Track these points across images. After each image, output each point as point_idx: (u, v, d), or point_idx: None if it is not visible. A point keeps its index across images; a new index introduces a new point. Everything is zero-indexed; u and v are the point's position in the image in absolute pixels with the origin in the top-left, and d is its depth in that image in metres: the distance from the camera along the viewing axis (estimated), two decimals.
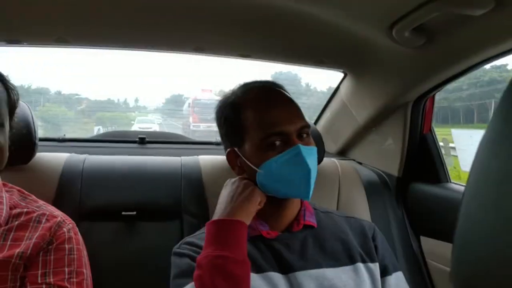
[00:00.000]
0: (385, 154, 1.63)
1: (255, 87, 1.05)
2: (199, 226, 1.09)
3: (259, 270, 0.94)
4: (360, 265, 1.00)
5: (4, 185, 1.07)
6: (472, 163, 0.36)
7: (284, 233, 1.02)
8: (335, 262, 0.99)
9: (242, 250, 0.89)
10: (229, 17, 1.14)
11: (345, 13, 1.03)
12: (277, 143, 0.96)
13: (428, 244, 1.48)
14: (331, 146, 1.92)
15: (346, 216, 1.14)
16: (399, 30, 0.98)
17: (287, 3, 1.01)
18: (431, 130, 1.50)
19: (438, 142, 1.51)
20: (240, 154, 1.03)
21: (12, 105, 1.04)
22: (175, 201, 1.39)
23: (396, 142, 1.56)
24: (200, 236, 1.02)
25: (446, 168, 1.50)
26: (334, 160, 1.62)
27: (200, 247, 0.96)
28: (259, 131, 0.98)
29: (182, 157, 1.53)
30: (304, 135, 0.99)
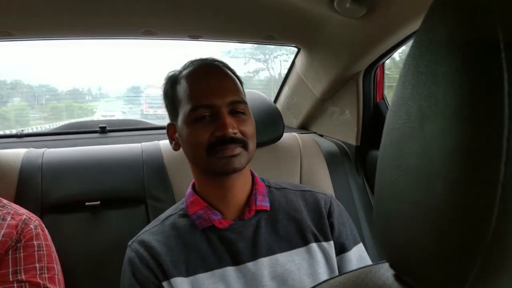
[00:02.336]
0: (343, 125, 1.67)
1: (195, 62, 1.02)
2: (164, 210, 1.10)
3: (210, 267, 0.92)
4: (314, 245, 0.97)
5: None
6: (384, 128, 0.39)
7: (237, 221, 0.97)
8: (288, 245, 0.97)
9: None
10: None
11: None
12: (206, 116, 0.92)
13: None
14: (292, 121, 1.95)
15: (301, 190, 1.08)
16: (340, 1, 1.01)
17: None
18: (383, 98, 1.55)
19: None
20: (176, 128, 1.00)
21: None
22: (138, 188, 1.40)
23: (352, 112, 1.60)
24: (152, 231, 0.99)
25: None
26: (295, 134, 1.65)
27: (150, 248, 0.93)
28: (189, 103, 0.94)
29: (143, 143, 1.53)
30: (239, 112, 0.94)
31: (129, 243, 0.98)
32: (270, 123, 1.48)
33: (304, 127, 1.94)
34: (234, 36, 1.49)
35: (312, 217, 1.01)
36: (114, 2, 1.13)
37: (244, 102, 0.96)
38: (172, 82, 1.01)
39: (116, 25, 1.30)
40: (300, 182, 1.49)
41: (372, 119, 1.56)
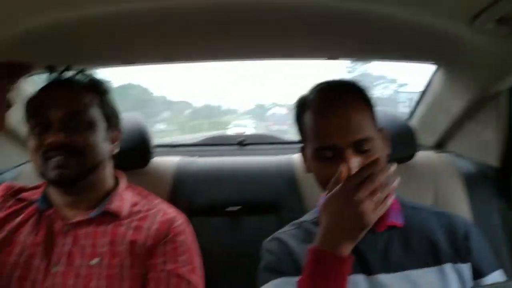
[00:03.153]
0: (483, 145, 1.58)
1: (322, 88, 1.01)
2: (296, 219, 1.17)
3: None
4: (448, 265, 0.95)
5: (128, 186, 1.26)
6: None
7: (368, 233, 0.94)
8: (421, 263, 0.96)
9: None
10: (318, 21, 1.18)
11: (427, 11, 1.04)
12: (329, 155, 0.93)
13: None
14: (428, 139, 1.89)
15: (436, 211, 1.08)
16: (482, 22, 0.98)
17: (368, 7, 1.05)
18: None
19: None
20: (306, 153, 1.04)
21: (105, 110, 1.17)
22: (272, 197, 1.51)
23: (493, 132, 1.50)
24: (289, 233, 1.07)
25: None
26: (430, 153, 1.62)
27: (286, 244, 1.02)
28: (313, 141, 0.96)
29: (277, 157, 1.65)
30: (365, 148, 0.92)
31: (267, 240, 1.09)
32: (401, 141, 1.46)
33: (440, 146, 1.87)
34: (370, 56, 1.52)
35: (447, 239, 0.99)
36: (256, 26, 1.24)
37: (371, 139, 0.93)
38: (300, 110, 1.04)
39: (258, 47, 1.42)
40: (434, 203, 1.45)
41: None
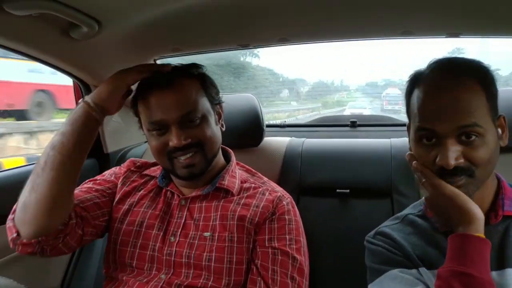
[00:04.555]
0: None
1: (436, 66, 0.92)
2: (409, 205, 1.11)
3: None
4: None
5: (237, 163, 1.32)
6: None
7: None
8: None
9: (487, 269, 0.81)
10: None
11: None
12: (428, 140, 0.88)
13: None
14: None
15: None
16: None
17: None
18: None
19: None
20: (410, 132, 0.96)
21: (209, 93, 1.20)
22: (385, 181, 1.46)
23: None
24: (393, 227, 1.01)
25: None
26: None
27: (393, 239, 0.96)
28: (416, 120, 0.89)
29: (392, 139, 1.59)
30: (471, 137, 0.84)
31: (369, 235, 1.04)
32: None
33: None
34: (494, 32, 1.37)
35: None
36: (375, 5, 1.20)
37: (479, 126, 0.84)
38: (411, 86, 0.96)
39: (376, 27, 1.37)
40: None
41: None
